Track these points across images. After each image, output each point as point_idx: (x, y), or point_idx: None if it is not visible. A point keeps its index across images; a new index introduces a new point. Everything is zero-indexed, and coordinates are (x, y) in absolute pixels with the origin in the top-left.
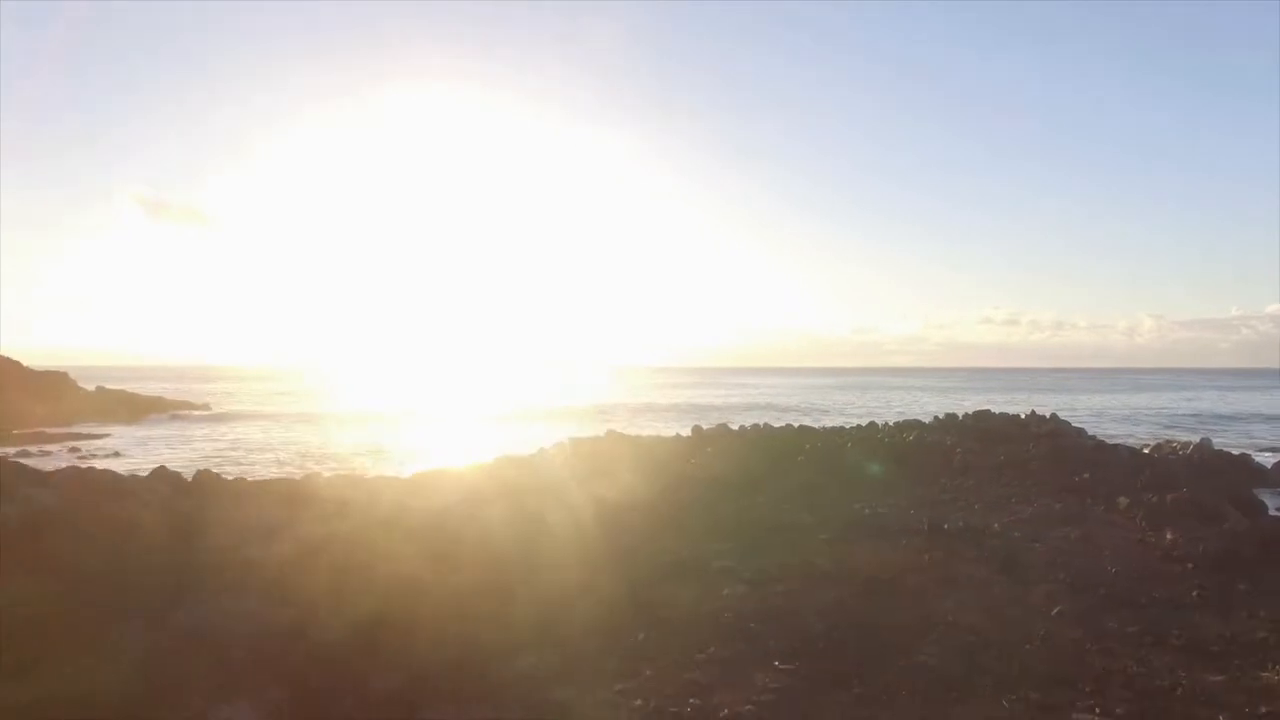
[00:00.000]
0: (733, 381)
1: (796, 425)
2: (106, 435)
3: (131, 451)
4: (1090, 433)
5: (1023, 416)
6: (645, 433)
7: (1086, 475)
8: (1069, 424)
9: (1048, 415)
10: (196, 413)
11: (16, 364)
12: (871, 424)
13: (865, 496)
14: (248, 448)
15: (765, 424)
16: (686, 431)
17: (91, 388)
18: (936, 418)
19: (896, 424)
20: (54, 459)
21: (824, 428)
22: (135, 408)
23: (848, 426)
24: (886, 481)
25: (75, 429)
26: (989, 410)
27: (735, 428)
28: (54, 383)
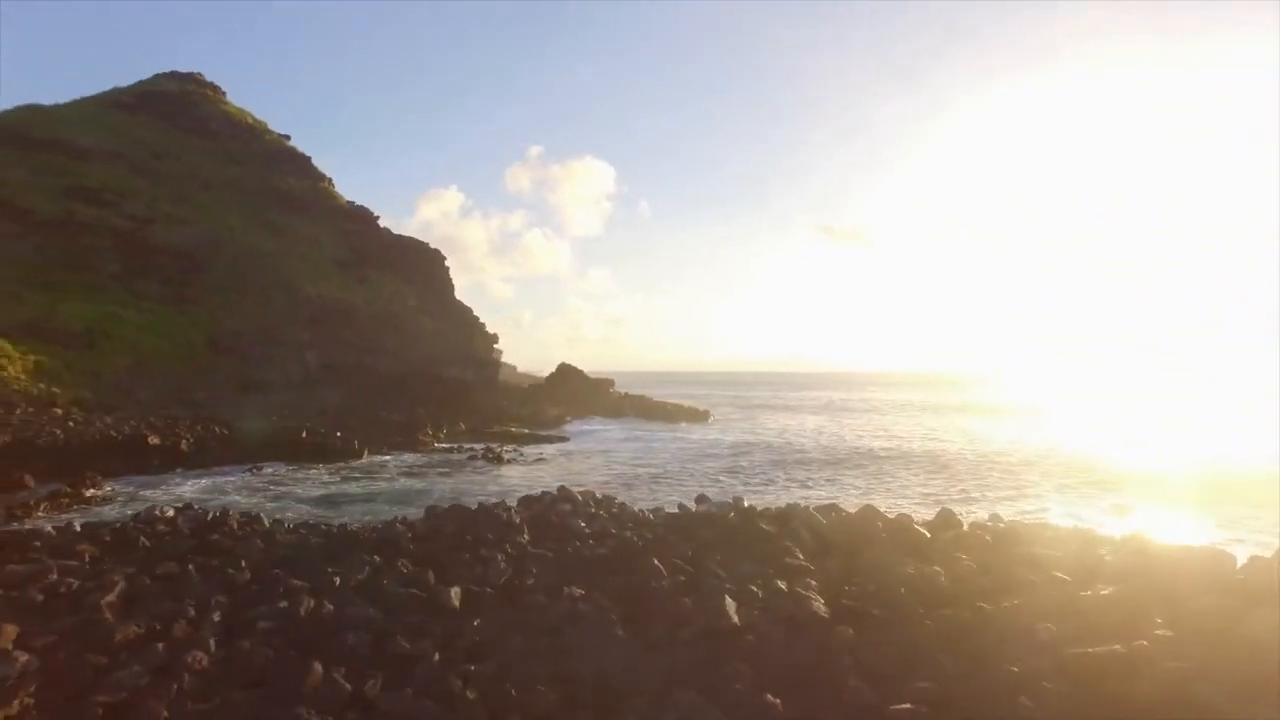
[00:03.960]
0: None
1: None
2: (561, 440)
3: (525, 458)
4: None
5: None
6: None
7: None
8: None
9: None
10: (676, 423)
11: (577, 371)
12: None
13: None
14: (638, 463)
15: None
16: None
17: (625, 393)
18: None
19: None
20: (433, 456)
21: None
22: (642, 410)
23: None
24: None
25: (549, 430)
26: None
27: None
28: (591, 387)
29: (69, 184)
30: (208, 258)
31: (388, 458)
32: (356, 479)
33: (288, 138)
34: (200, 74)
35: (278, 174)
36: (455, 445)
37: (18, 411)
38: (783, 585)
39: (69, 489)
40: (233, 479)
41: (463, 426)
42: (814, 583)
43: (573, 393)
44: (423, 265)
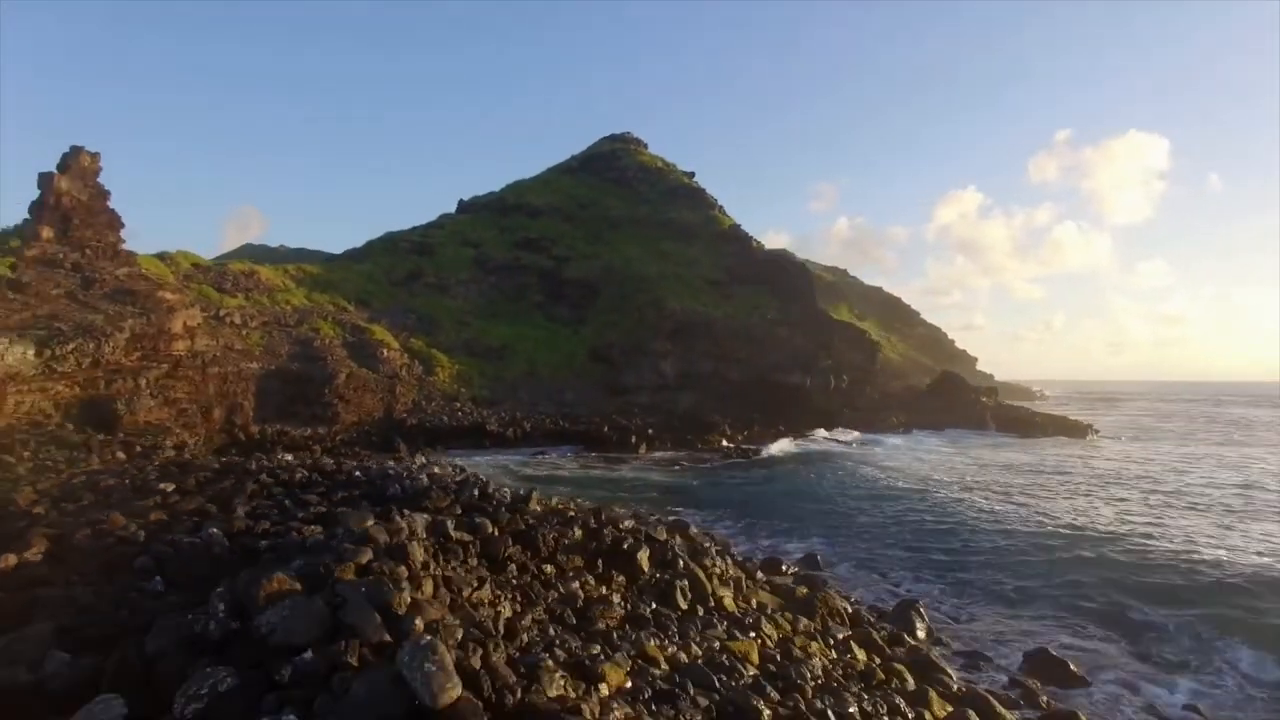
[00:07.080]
0: None
1: None
2: (837, 442)
3: (759, 458)
4: None
5: None
6: None
7: None
8: None
9: None
10: (1035, 438)
11: (958, 379)
12: None
13: None
14: (827, 479)
15: None
16: None
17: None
18: None
19: None
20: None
21: None
22: (1006, 422)
23: None
24: None
25: (867, 435)
26: None
27: None
28: (963, 395)
29: (520, 237)
30: (603, 284)
31: (659, 453)
32: (595, 467)
33: (691, 175)
34: (629, 132)
35: (674, 208)
36: (736, 445)
37: (432, 405)
38: None
39: (400, 454)
40: (513, 459)
41: (781, 428)
42: None
43: (942, 400)
44: (786, 278)
